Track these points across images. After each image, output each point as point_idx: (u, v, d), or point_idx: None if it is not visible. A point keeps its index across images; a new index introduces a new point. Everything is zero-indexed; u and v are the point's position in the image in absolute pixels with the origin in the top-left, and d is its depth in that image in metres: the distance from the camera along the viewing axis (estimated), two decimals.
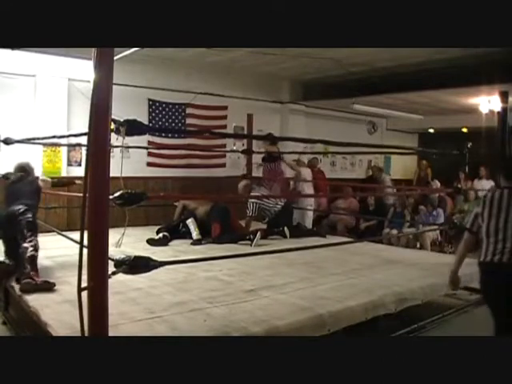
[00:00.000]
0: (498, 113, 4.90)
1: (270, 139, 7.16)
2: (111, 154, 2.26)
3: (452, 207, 8.58)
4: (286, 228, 5.97)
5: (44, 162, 6.58)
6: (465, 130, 10.91)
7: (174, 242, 5.51)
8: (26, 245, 3.61)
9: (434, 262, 4.74)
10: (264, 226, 6.25)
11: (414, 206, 7.87)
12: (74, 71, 6.44)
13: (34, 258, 3.56)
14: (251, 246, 5.33)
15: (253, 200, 6.17)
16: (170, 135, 7.84)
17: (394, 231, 7.40)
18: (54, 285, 3.39)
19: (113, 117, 2.21)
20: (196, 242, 5.48)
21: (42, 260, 3.96)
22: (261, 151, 7.56)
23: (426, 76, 7.42)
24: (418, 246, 7.14)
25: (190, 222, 5.69)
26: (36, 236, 3.78)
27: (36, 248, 3.65)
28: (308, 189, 8.01)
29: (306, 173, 8.08)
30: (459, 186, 8.63)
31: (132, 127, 2.39)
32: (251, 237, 5.47)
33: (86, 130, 2.21)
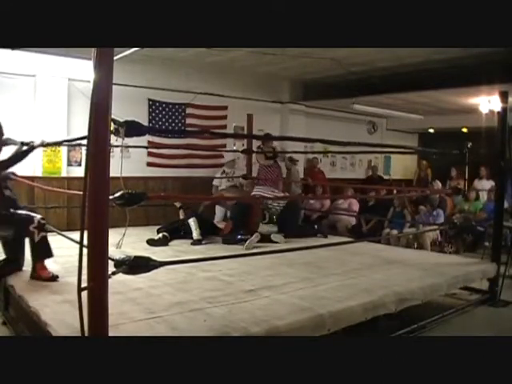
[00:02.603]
0: (498, 113, 4.88)
1: (270, 139, 7.16)
2: (111, 154, 2.26)
3: (452, 207, 8.58)
4: (275, 235, 5.77)
5: (44, 161, 6.59)
6: (465, 130, 10.91)
7: (174, 242, 5.51)
8: (30, 228, 3.57)
9: (433, 262, 4.73)
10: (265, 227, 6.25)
11: (414, 206, 7.87)
12: (73, 71, 6.45)
13: (44, 240, 3.58)
14: (244, 248, 5.14)
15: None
16: (170, 135, 7.84)
17: (394, 231, 7.40)
18: (57, 277, 3.55)
19: (113, 117, 2.21)
20: (196, 242, 5.48)
21: None
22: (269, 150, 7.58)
23: (426, 76, 7.43)
24: (416, 245, 7.12)
25: (192, 222, 5.69)
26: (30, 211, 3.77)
27: (41, 227, 3.59)
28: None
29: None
30: (451, 184, 8.70)
31: (131, 128, 2.39)
32: (248, 237, 5.40)
33: (86, 129, 2.20)
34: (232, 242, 5.46)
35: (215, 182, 7.66)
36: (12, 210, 3.73)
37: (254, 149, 7.59)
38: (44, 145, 3.95)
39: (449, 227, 6.86)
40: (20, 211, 3.81)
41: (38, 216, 3.69)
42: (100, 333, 2.18)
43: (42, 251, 3.61)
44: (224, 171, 7.70)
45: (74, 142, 5.97)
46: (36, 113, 6.54)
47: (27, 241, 3.83)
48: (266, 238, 5.69)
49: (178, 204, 6.35)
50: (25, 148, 3.84)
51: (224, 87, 8.08)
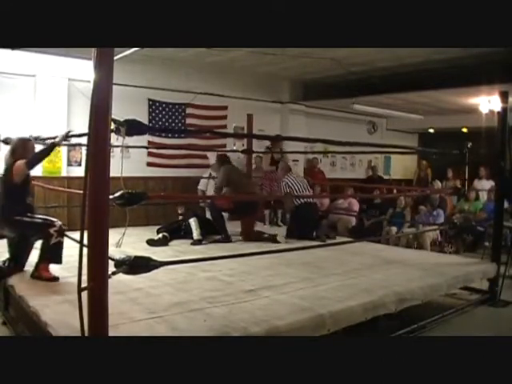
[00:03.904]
0: (498, 113, 4.88)
1: (270, 139, 7.18)
2: (111, 154, 2.26)
3: (452, 207, 8.59)
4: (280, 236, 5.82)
5: (44, 161, 6.57)
6: (465, 130, 10.91)
7: (174, 242, 5.51)
8: (50, 231, 3.62)
9: (433, 262, 4.73)
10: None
11: (414, 206, 7.89)
12: (73, 71, 6.44)
13: (58, 245, 3.64)
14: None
15: None
16: (170, 135, 7.84)
17: (394, 228, 7.41)
18: (58, 279, 3.58)
19: (113, 116, 2.21)
20: (196, 242, 5.48)
21: None
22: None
23: (426, 76, 7.43)
24: (416, 245, 7.13)
25: (192, 222, 5.69)
26: (44, 220, 3.76)
27: (60, 232, 3.64)
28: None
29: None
30: (447, 184, 8.69)
31: (132, 127, 2.39)
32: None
33: (86, 129, 2.21)
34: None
35: (201, 187, 7.49)
36: (29, 215, 3.77)
37: (254, 149, 7.61)
38: (69, 136, 3.93)
39: (449, 227, 6.86)
40: (41, 216, 3.87)
41: (60, 222, 3.75)
42: (100, 333, 2.18)
43: (53, 255, 3.64)
44: (210, 174, 7.52)
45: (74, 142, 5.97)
46: (36, 113, 6.53)
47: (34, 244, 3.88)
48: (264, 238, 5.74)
49: (180, 210, 6.35)
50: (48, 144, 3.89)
51: (224, 87, 8.08)
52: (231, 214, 5.94)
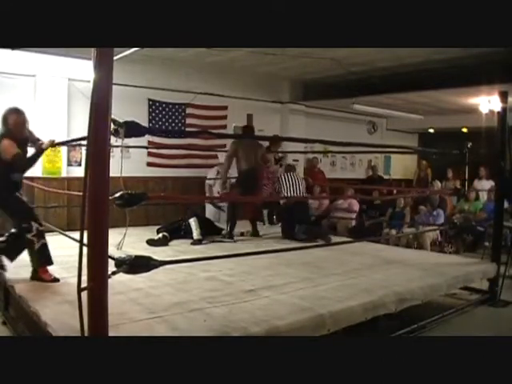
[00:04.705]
0: (498, 113, 4.88)
1: (271, 140, 7.19)
2: (111, 154, 2.26)
3: (452, 207, 8.59)
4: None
5: (44, 161, 6.58)
6: (465, 130, 10.91)
7: (174, 242, 5.51)
8: (29, 236, 3.58)
9: (433, 262, 4.73)
10: None
11: (414, 205, 7.89)
12: (73, 71, 6.45)
13: (44, 248, 3.61)
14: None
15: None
16: (170, 135, 7.84)
17: (394, 232, 7.41)
18: (58, 280, 3.56)
19: (113, 117, 2.21)
20: (196, 242, 5.48)
21: None
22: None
23: (426, 76, 7.44)
24: (416, 245, 7.12)
25: (192, 222, 5.70)
26: (30, 219, 3.64)
27: (40, 235, 3.60)
28: None
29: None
30: (447, 184, 8.69)
31: (130, 129, 2.39)
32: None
33: (86, 129, 2.20)
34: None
35: (209, 181, 7.59)
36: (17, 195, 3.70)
37: None
38: (54, 145, 3.91)
39: (449, 227, 6.86)
40: (26, 204, 3.78)
41: (36, 224, 3.63)
42: (100, 333, 2.18)
43: (43, 258, 3.62)
44: (218, 172, 7.57)
45: (74, 142, 5.98)
46: (36, 113, 6.52)
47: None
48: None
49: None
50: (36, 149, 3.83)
51: (224, 87, 8.08)
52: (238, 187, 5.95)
